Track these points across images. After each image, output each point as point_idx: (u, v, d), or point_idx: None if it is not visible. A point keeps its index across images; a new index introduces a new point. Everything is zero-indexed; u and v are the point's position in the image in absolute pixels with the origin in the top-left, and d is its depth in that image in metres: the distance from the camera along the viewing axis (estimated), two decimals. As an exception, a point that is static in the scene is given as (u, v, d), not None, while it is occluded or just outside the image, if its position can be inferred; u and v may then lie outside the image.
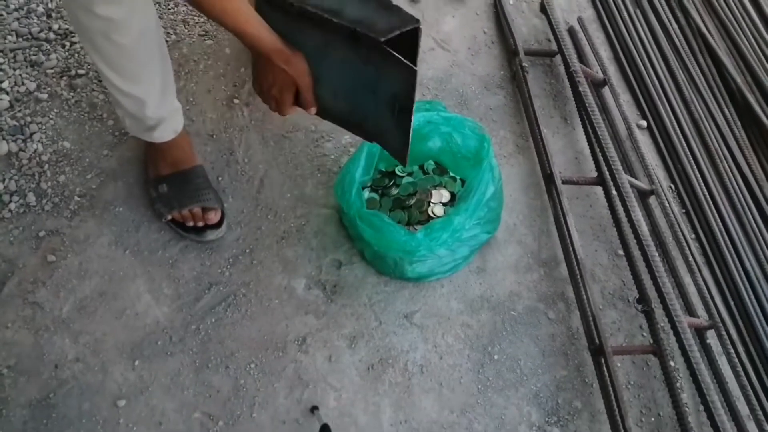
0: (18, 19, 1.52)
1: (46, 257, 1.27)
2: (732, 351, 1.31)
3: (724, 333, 1.32)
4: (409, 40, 1.01)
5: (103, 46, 1.08)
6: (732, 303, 1.41)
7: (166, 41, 1.56)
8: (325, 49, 1.06)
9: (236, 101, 1.51)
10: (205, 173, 1.36)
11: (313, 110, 1.16)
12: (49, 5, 1.56)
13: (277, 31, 1.04)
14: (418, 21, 1.00)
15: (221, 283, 1.30)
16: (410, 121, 1.06)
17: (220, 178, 1.41)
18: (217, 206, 1.32)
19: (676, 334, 1.21)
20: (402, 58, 0.98)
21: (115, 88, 1.16)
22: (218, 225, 1.32)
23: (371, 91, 1.08)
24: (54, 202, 1.33)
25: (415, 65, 0.99)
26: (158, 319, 1.24)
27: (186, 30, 1.60)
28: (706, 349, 1.31)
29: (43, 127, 1.40)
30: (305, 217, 1.39)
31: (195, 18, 1.62)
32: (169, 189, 1.31)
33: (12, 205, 1.31)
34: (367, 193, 1.40)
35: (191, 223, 1.31)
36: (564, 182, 1.46)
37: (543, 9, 1.79)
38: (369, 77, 1.06)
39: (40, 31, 1.52)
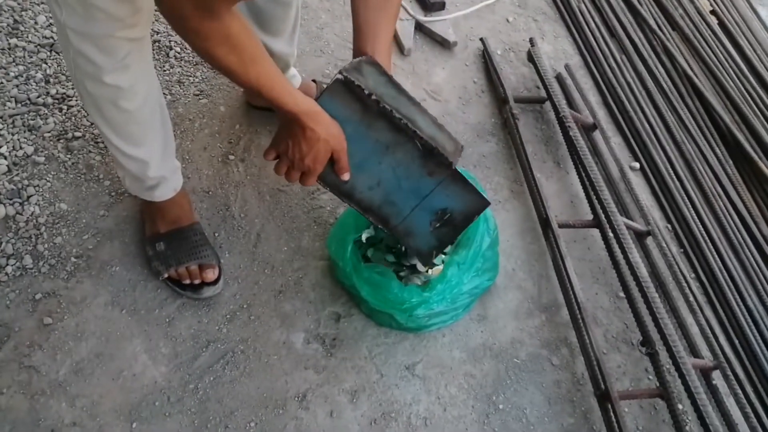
0: (17, 85, 1.56)
1: (42, 320, 1.25)
2: (739, 391, 1.28)
3: (730, 373, 1.30)
4: None
5: (110, 113, 1.11)
6: (737, 342, 1.40)
7: (163, 101, 1.59)
8: (388, 148, 1.09)
9: (231, 157, 1.53)
10: (202, 230, 1.37)
11: (347, 176, 1.12)
12: (48, 71, 1.60)
13: (343, 115, 1.05)
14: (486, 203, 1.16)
15: (219, 340, 1.28)
16: (455, 238, 1.20)
17: (216, 234, 1.41)
18: (214, 263, 1.32)
19: (681, 376, 1.19)
20: (480, 191, 1.13)
21: (119, 151, 1.18)
22: (215, 282, 1.31)
23: (419, 196, 1.15)
24: (51, 263, 1.32)
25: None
26: (156, 380, 1.22)
27: (181, 90, 1.63)
28: (713, 391, 1.28)
29: (41, 190, 1.41)
30: (302, 270, 1.39)
31: (190, 78, 1.66)
32: (167, 247, 1.31)
33: (8, 269, 1.30)
34: (364, 236, 1.39)
35: (188, 281, 1.30)
36: (560, 226, 1.46)
37: (530, 58, 1.83)
38: (423, 186, 1.13)
39: (38, 96, 1.55)
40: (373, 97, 1.02)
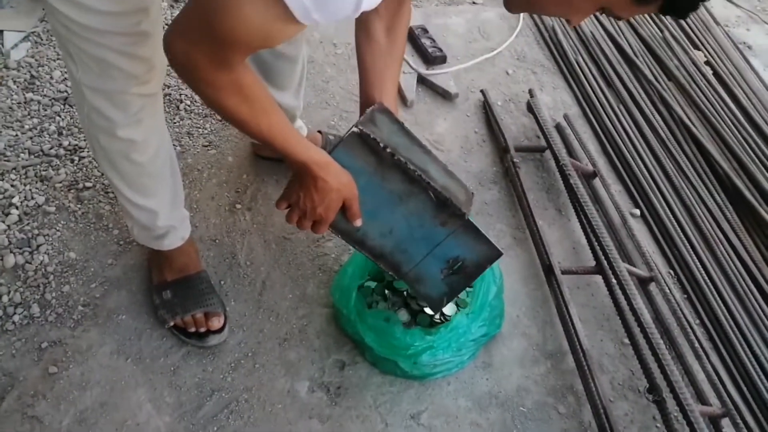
0: (31, 137, 1.60)
1: (47, 369, 1.26)
2: (750, 440, 1.27)
3: (739, 421, 1.28)
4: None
5: (122, 166, 1.15)
6: (744, 389, 1.38)
7: (172, 152, 1.64)
8: (401, 198, 1.11)
9: (238, 206, 1.56)
10: (208, 278, 1.38)
11: (359, 222, 1.12)
12: (61, 124, 1.65)
13: (357, 167, 1.07)
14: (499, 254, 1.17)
15: (223, 389, 1.28)
16: (466, 285, 1.23)
17: (222, 282, 1.43)
18: (220, 311, 1.33)
19: (690, 424, 1.18)
20: (492, 241, 1.15)
21: (130, 202, 1.21)
22: (220, 330, 1.32)
23: (431, 245, 1.16)
24: (58, 312, 1.33)
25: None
26: (160, 429, 1.21)
27: (191, 141, 1.68)
28: (723, 440, 1.26)
29: (50, 239, 1.43)
30: (307, 317, 1.39)
31: (199, 130, 1.71)
32: (173, 295, 1.33)
33: (16, 317, 1.31)
34: (372, 284, 1.40)
35: (193, 329, 1.31)
36: (563, 272, 1.47)
37: (530, 108, 1.88)
38: (436, 235, 1.14)
39: (51, 148, 1.59)
40: (388, 149, 1.04)
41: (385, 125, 1.09)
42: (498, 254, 1.16)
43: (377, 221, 1.14)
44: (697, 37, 2.30)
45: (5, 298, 1.33)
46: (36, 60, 1.78)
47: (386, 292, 1.38)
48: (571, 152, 1.77)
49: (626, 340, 1.42)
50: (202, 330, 1.31)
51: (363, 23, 1.11)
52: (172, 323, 1.32)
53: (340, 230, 1.15)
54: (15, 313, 1.32)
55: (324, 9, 0.75)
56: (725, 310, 1.50)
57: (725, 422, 1.29)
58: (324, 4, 0.75)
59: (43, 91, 1.71)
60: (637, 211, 1.73)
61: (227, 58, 0.85)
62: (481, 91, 1.95)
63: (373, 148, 1.05)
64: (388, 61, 1.14)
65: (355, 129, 1.03)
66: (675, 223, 1.68)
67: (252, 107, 0.93)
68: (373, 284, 1.39)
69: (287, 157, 1.01)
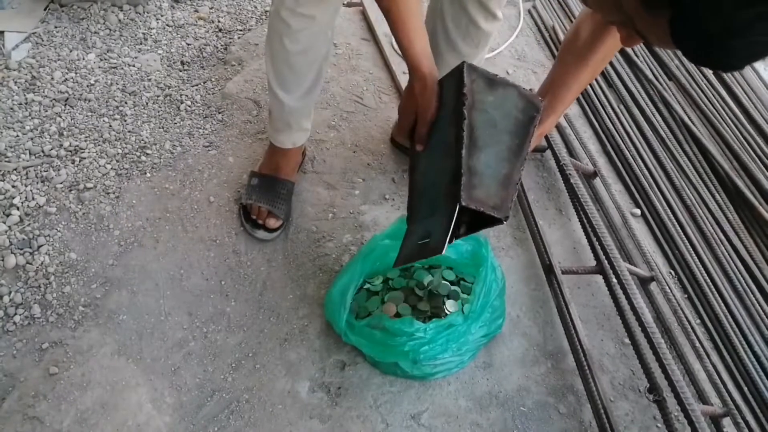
0: (32, 138, 1.61)
1: (48, 369, 1.26)
2: (751, 440, 1.27)
3: (740, 420, 1.28)
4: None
5: (275, 46, 1.29)
6: (745, 388, 1.38)
7: (172, 153, 1.64)
8: (442, 149, 1.07)
9: (244, 203, 1.56)
10: (291, 189, 1.55)
11: (420, 147, 1.13)
12: (62, 124, 1.65)
13: (446, 98, 1.07)
14: (506, 218, 1.01)
15: (224, 389, 1.28)
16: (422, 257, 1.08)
17: (223, 282, 1.43)
18: (281, 216, 1.50)
19: (691, 423, 1.18)
20: (445, 239, 1.01)
21: (269, 83, 1.37)
22: (273, 230, 1.49)
23: (433, 210, 1.09)
24: (58, 313, 1.34)
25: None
26: (160, 430, 1.22)
27: (191, 142, 1.68)
28: (724, 439, 1.26)
29: (51, 240, 1.44)
30: (308, 317, 1.40)
31: (200, 130, 1.71)
32: (258, 184, 1.52)
33: (17, 318, 1.31)
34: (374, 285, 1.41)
35: (254, 216, 1.49)
36: (564, 272, 1.47)
37: (530, 108, 1.88)
38: (439, 204, 1.06)
39: (52, 149, 1.59)
40: (464, 97, 1.00)
41: (491, 90, 1.05)
42: (436, 252, 1.02)
43: (427, 158, 1.11)
44: (698, 37, 2.30)
45: (6, 299, 1.33)
46: (37, 61, 1.78)
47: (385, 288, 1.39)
48: (571, 152, 1.77)
49: (627, 340, 1.42)
50: (260, 222, 1.49)
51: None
52: (243, 202, 1.51)
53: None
54: (16, 314, 1.32)
55: None
56: (726, 310, 1.50)
57: (726, 422, 1.29)
58: None
59: (43, 91, 1.71)
60: (638, 211, 1.73)
61: None
62: (482, 91, 1.95)
63: (458, 88, 1.02)
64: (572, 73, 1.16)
65: (462, 65, 1.03)
66: (675, 223, 1.68)
67: (399, 9, 1.02)
68: (374, 286, 1.39)
69: (405, 56, 1.08)
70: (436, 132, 1.09)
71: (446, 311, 1.37)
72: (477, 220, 1.06)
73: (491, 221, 1.02)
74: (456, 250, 1.40)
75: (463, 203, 0.97)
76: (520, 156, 1.03)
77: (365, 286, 1.41)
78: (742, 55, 0.62)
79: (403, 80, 1.90)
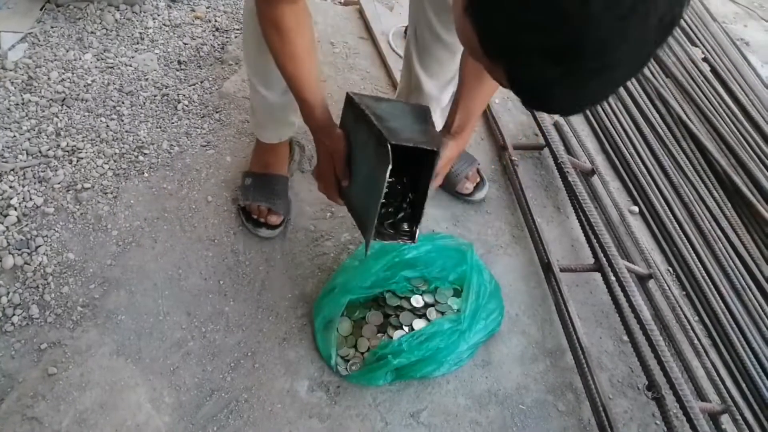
0: (29, 139, 1.60)
1: (47, 370, 1.26)
2: (750, 436, 1.27)
3: (738, 417, 1.29)
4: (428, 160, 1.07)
5: (252, 48, 1.29)
6: (743, 385, 1.38)
7: (169, 153, 1.63)
8: (364, 145, 1.10)
9: (242, 204, 1.56)
10: (286, 183, 1.55)
11: (346, 183, 1.17)
12: (59, 125, 1.64)
13: (351, 132, 1.13)
14: (437, 150, 1.04)
15: (223, 389, 1.28)
16: (423, 204, 1.14)
17: (221, 282, 1.43)
18: (281, 212, 1.49)
19: (689, 420, 1.18)
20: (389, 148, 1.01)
21: (251, 80, 1.39)
22: (275, 227, 1.49)
23: (378, 192, 1.08)
24: (57, 313, 1.33)
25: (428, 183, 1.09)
26: (159, 430, 1.22)
27: (189, 141, 1.68)
28: (722, 436, 1.27)
29: (49, 240, 1.43)
30: (306, 317, 1.39)
31: (197, 130, 1.70)
32: (252, 184, 1.50)
33: (15, 318, 1.31)
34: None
35: (255, 216, 1.48)
36: (562, 270, 1.47)
37: (528, 106, 1.88)
38: (378, 181, 1.06)
39: (49, 149, 1.59)
40: (362, 106, 1.07)
41: (379, 102, 1.15)
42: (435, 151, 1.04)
43: (357, 187, 1.15)
44: (695, 34, 2.30)
45: (4, 300, 1.33)
46: (33, 61, 1.78)
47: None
48: (569, 150, 1.78)
49: (625, 338, 1.42)
50: (261, 220, 1.48)
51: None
52: (241, 204, 1.50)
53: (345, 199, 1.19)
54: (14, 315, 1.32)
55: None
56: (724, 307, 1.51)
57: (725, 418, 1.30)
58: None
59: (40, 92, 1.71)
60: (636, 209, 1.74)
61: None
62: (479, 89, 1.95)
63: (355, 106, 1.10)
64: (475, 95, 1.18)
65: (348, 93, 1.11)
66: (673, 220, 1.68)
67: (283, 48, 1.06)
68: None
69: (301, 111, 1.15)
70: (355, 166, 1.14)
71: (450, 307, 1.37)
72: (417, 177, 1.13)
73: (427, 167, 1.07)
74: (443, 265, 1.41)
75: (393, 142, 0.99)
76: (428, 129, 1.10)
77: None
78: (574, 103, 0.66)
79: (401, 79, 1.90)
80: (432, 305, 1.38)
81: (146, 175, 1.59)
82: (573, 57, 0.58)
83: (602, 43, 0.57)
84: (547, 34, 0.58)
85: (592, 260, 1.53)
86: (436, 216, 1.60)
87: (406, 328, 1.34)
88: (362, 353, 1.33)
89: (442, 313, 1.37)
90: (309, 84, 1.11)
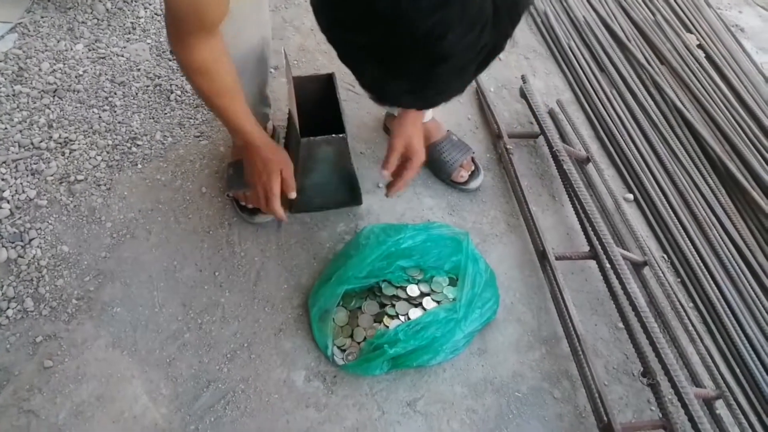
0: (21, 131, 1.59)
1: (42, 363, 1.25)
2: (744, 420, 1.28)
3: (733, 402, 1.30)
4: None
5: None
6: (738, 371, 1.39)
7: (163, 144, 1.62)
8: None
9: (231, 196, 1.55)
10: None
11: (293, 194, 1.30)
12: (51, 116, 1.63)
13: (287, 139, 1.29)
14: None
15: (219, 380, 1.28)
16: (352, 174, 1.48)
17: (216, 273, 1.42)
18: None
19: (684, 406, 1.19)
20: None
21: None
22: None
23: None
24: (52, 306, 1.33)
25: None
26: (156, 421, 1.22)
27: (182, 132, 1.67)
28: (716, 420, 1.28)
29: (42, 233, 1.43)
30: (303, 307, 1.39)
31: (191, 120, 1.69)
32: (234, 172, 1.46)
33: (9, 312, 1.31)
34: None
35: (244, 203, 1.48)
36: (557, 258, 1.48)
37: (522, 94, 1.87)
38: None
39: (41, 141, 1.58)
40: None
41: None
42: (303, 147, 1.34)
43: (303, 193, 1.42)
44: (690, 20, 2.30)
45: (-2, 293, 1.33)
46: (23, 51, 1.76)
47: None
48: (564, 138, 1.77)
49: (620, 325, 1.42)
50: (250, 206, 1.48)
51: None
52: (229, 194, 1.51)
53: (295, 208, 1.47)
54: (8, 308, 1.31)
55: None
56: (718, 294, 1.51)
57: (719, 404, 1.30)
58: None
59: (31, 83, 1.69)
60: (631, 196, 1.74)
61: (182, 35, 1.00)
62: (474, 77, 1.94)
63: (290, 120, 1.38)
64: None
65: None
66: (668, 208, 1.69)
67: (210, 85, 1.10)
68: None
69: (236, 136, 1.21)
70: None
71: (446, 296, 1.37)
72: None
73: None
74: (438, 254, 1.41)
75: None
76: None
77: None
78: (415, 100, 0.67)
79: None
80: (428, 294, 1.38)
81: (140, 166, 1.58)
82: (392, 55, 0.57)
83: (422, 38, 0.55)
84: (364, 33, 0.57)
85: (587, 248, 1.53)
86: (432, 205, 1.60)
87: (402, 318, 1.34)
88: (358, 343, 1.33)
89: (438, 302, 1.37)
90: (243, 112, 1.18)
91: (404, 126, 1.33)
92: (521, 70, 2.02)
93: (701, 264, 1.57)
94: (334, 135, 1.34)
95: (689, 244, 1.61)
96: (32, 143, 1.57)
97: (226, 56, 1.11)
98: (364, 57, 0.59)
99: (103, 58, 1.80)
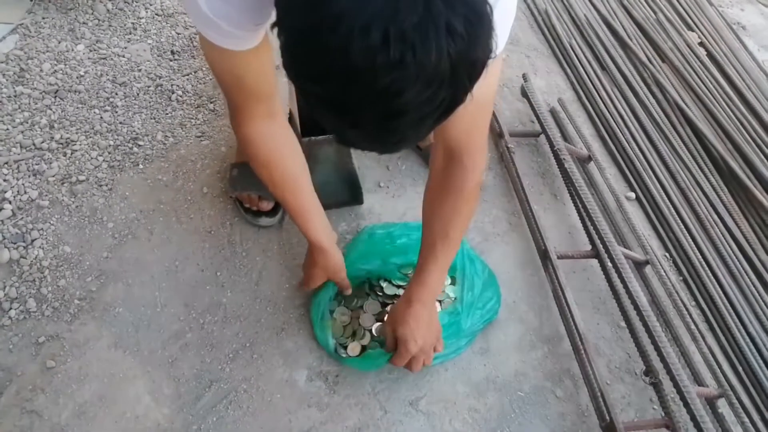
0: (22, 131, 1.59)
1: (45, 363, 1.26)
2: (746, 419, 1.28)
3: (735, 401, 1.29)
4: None
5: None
6: (740, 369, 1.39)
7: (164, 144, 1.63)
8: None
9: (233, 197, 1.55)
10: None
11: (349, 291, 1.35)
12: (52, 117, 1.63)
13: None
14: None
15: (222, 379, 1.28)
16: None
17: (219, 273, 1.42)
18: (270, 197, 1.47)
19: (687, 405, 1.19)
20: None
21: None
22: (271, 214, 1.49)
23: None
24: (54, 306, 1.33)
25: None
26: (158, 422, 1.22)
27: (183, 132, 1.67)
28: (719, 419, 1.27)
29: (44, 233, 1.43)
30: (304, 306, 1.39)
31: (192, 121, 1.69)
32: (238, 173, 1.48)
33: (12, 312, 1.31)
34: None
35: (247, 205, 1.49)
36: (559, 257, 1.47)
37: (524, 93, 1.87)
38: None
39: (43, 142, 1.58)
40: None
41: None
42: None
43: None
44: (691, 18, 2.29)
45: (1, 293, 1.33)
46: (25, 52, 1.76)
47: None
48: (565, 136, 1.77)
49: (622, 323, 1.42)
50: (254, 208, 1.48)
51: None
52: (232, 195, 1.51)
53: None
54: (11, 308, 1.31)
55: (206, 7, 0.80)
56: (721, 292, 1.51)
57: (721, 403, 1.30)
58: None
59: (33, 84, 1.69)
60: (632, 195, 1.74)
61: (236, 108, 1.01)
62: (475, 76, 1.94)
63: None
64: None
65: None
66: (670, 206, 1.68)
67: (270, 173, 1.11)
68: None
69: (300, 229, 1.22)
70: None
71: (447, 296, 1.37)
72: None
73: None
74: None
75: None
76: None
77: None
78: (377, 147, 0.67)
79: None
80: None
81: (141, 166, 1.58)
82: (349, 108, 0.59)
83: (378, 94, 0.56)
84: (321, 86, 0.58)
85: (589, 247, 1.53)
86: (433, 204, 1.60)
87: None
88: (360, 342, 1.33)
89: (440, 302, 1.37)
90: (305, 210, 1.18)
91: (397, 314, 1.22)
92: (522, 69, 2.02)
93: (703, 262, 1.57)
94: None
95: (691, 242, 1.61)
96: (34, 144, 1.57)
97: (288, 145, 1.11)
98: (323, 107, 0.61)
99: (104, 58, 1.80)
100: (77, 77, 1.74)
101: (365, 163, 1.67)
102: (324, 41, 0.55)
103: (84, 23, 1.89)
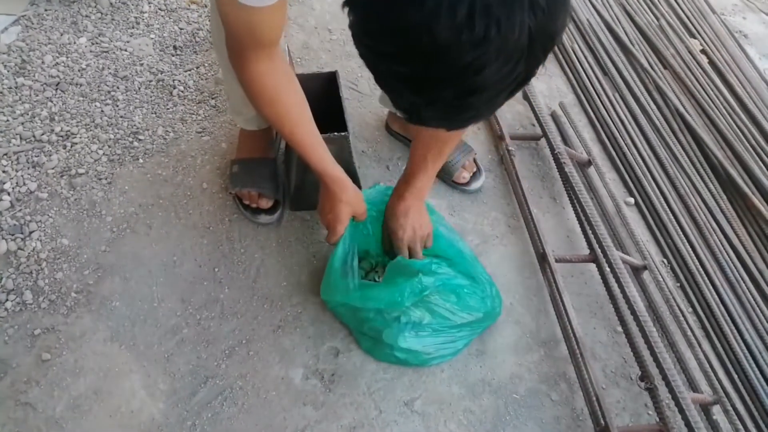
0: (23, 123, 1.59)
1: (40, 356, 1.25)
2: (740, 426, 1.28)
3: (730, 408, 1.30)
4: None
5: (219, 34, 1.29)
6: (735, 376, 1.39)
7: (164, 139, 1.62)
8: None
9: (233, 193, 1.55)
10: (273, 166, 1.53)
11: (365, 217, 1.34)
12: (53, 109, 1.63)
13: None
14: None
15: (217, 376, 1.28)
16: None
17: (216, 270, 1.42)
18: (270, 195, 1.48)
19: (681, 411, 1.19)
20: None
21: (221, 70, 1.48)
22: (271, 212, 1.49)
23: None
24: (51, 299, 1.33)
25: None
26: (153, 416, 1.22)
27: (184, 127, 1.67)
28: (713, 426, 1.28)
29: (43, 225, 1.43)
30: (302, 304, 1.39)
31: (192, 116, 1.69)
32: (239, 170, 1.49)
33: (8, 304, 1.31)
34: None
35: (247, 202, 1.49)
36: (557, 261, 1.48)
37: (525, 96, 1.87)
38: None
39: (43, 134, 1.57)
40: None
41: None
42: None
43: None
44: (693, 26, 2.30)
45: (-3, 285, 1.33)
46: (27, 44, 1.76)
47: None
48: (566, 140, 1.77)
49: (619, 328, 1.42)
50: (254, 206, 1.49)
51: None
52: (232, 192, 1.50)
53: None
54: (7, 300, 1.31)
55: None
56: (717, 299, 1.51)
57: (716, 409, 1.30)
58: None
59: (34, 75, 1.69)
60: (631, 200, 1.74)
61: (239, 52, 1.00)
62: (477, 78, 1.94)
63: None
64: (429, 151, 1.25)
65: None
66: (669, 212, 1.69)
67: (272, 110, 1.07)
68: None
69: (310, 167, 1.18)
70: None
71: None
72: None
73: None
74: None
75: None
76: None
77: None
78: (448, 124, 0.69)
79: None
80: None
81: (141, 161, 1.58)
82: (429, 86, 0.58)
83: (459, 72, 0.55)
84: (401, 64, 0.58)
85: (587, 251, 1.53)
86: (433, 205, 1.60)
87: None
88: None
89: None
90: (309, 144, 1.15)
91: (388, 210, 1.34)
92: (524, 72, 2.02)
93: (701, 269, 1.57)
94: (336, 133, 1.34)
95: (689, 248, 1.61)
96: (34, 136, 1.57)
97: (290, 82, 1.09)
98: (402, 86, 0.60)
99: (106, 52, 1.80)
100: (79, 70, 1.74)
101: (365, 162, 1.67)
102: (407, 18, 0.53)
103: (87, 16, 1.88)
